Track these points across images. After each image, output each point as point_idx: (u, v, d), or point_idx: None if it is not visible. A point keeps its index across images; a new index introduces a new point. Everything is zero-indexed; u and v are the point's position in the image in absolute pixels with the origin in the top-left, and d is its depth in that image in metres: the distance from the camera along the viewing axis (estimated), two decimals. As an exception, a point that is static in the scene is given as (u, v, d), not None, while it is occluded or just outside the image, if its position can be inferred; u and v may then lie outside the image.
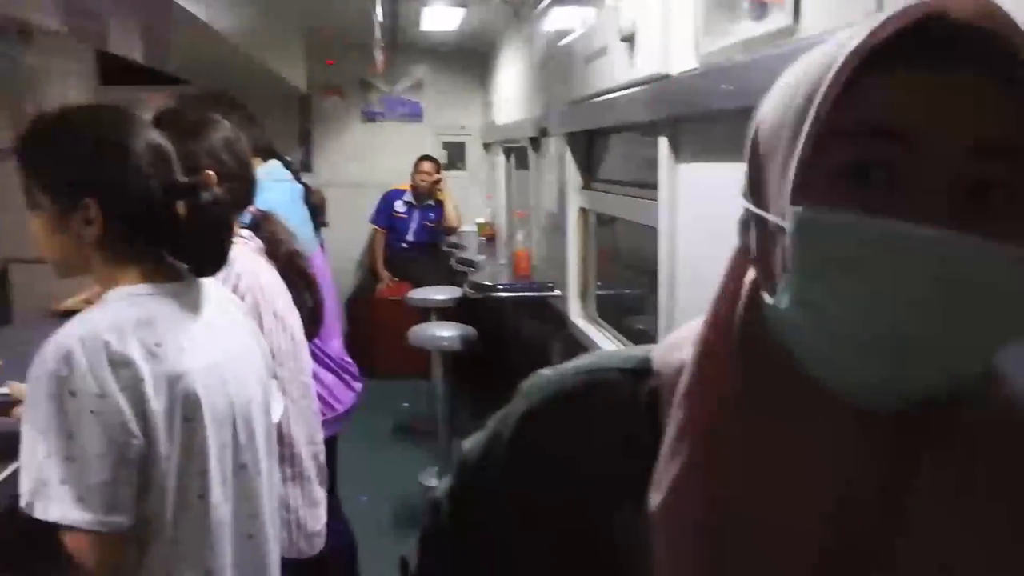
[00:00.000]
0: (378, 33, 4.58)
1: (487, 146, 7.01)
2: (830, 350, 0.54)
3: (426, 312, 5.24)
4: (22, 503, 1.16)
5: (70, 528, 1.16)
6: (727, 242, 0.67)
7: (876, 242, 0.50)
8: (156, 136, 1.33)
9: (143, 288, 1.28)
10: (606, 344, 3.29)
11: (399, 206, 6.55)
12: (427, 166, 6.49)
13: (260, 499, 1.42)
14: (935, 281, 0.49)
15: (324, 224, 2.91)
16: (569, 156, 3.70)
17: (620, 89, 2.67)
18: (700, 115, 2.08)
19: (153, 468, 1.22)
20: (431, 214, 6.55)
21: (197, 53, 4.11)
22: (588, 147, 3.66)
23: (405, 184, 6.56)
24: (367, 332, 6.00)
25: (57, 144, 1.31)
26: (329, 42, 6.43)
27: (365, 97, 6.99)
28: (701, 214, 2.20)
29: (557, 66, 3.94)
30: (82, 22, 3.46)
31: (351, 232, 6.65)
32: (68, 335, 1.18)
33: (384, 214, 6.56)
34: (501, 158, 6.17)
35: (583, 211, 3.70)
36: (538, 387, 0.71)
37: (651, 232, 2.86)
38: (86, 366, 1.15)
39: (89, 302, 2.65)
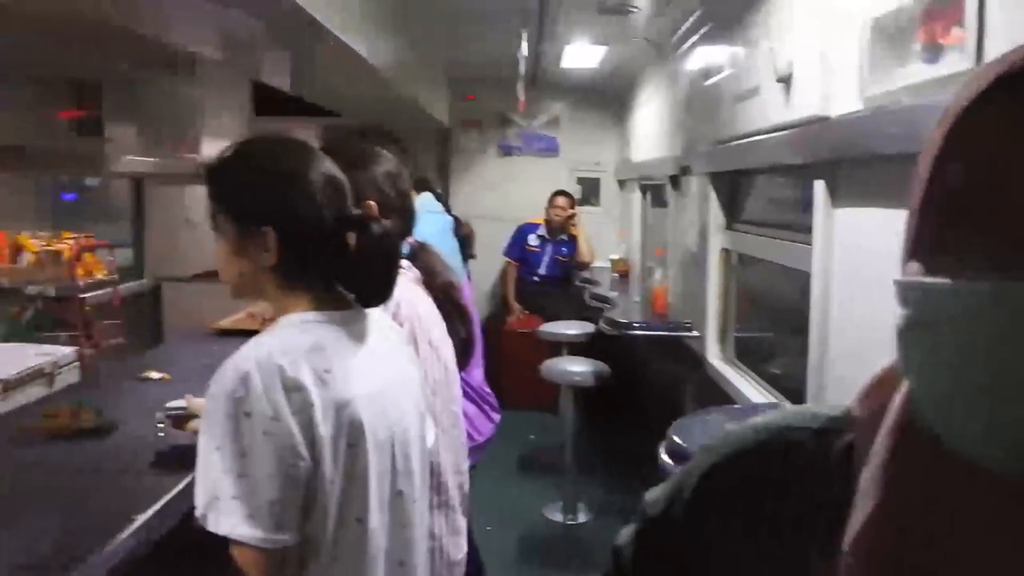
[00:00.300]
0: (522, 69, 4.66)
1: (622, 183, 7.01)
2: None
3: (557, 346, 5.25)
4: (197, 515, 1.21)
5: (239, 542, 1.20)
6: (886, 289, 0.63)
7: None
8: (332, 168, 1.38)
9: (313, 315, 1.33)
10: (744, 387, 3.21)
11: (532, 240, 6.61)
12: (562, 201, 6.53)
13: (413, 527, 1.44)
14: None
15: (472, 256, 2.96)
16: (712, 195, 3.66)
17: (773, 130, 2.63)
18: (862, 158, 2.02)
19: (317, 490, 1.25)
20: (564, 248, 6.58)
21: (351, 86, 4.27)
22: (732, 187, 3.61)
23: (539, 218, 6.62)
24: (496, 363, 6.02)
25: (241, 174, 1.39)
26: (470, 77, 6.59)
27: (502, 131, 7.13)
28: (858, 260, 2.13)
29: (701, 105, 3.90)
30: (240, 54, 3.65)
31: (484, 264, 6.73)
32: (245, 358, 1.23)
33: (517, 247, 6.64)
34: (637, 195, 6.15)
35: (725, 251, 3.64)
36: (724, 443, 0.70)
37: (790, 274, 2.79)
38: (261, 389, 1.19)
39: (254, 322, 2.78)
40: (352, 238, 1.35)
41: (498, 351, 6.28)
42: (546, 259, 6.59)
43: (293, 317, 1.33)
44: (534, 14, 4.29)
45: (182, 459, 1.70)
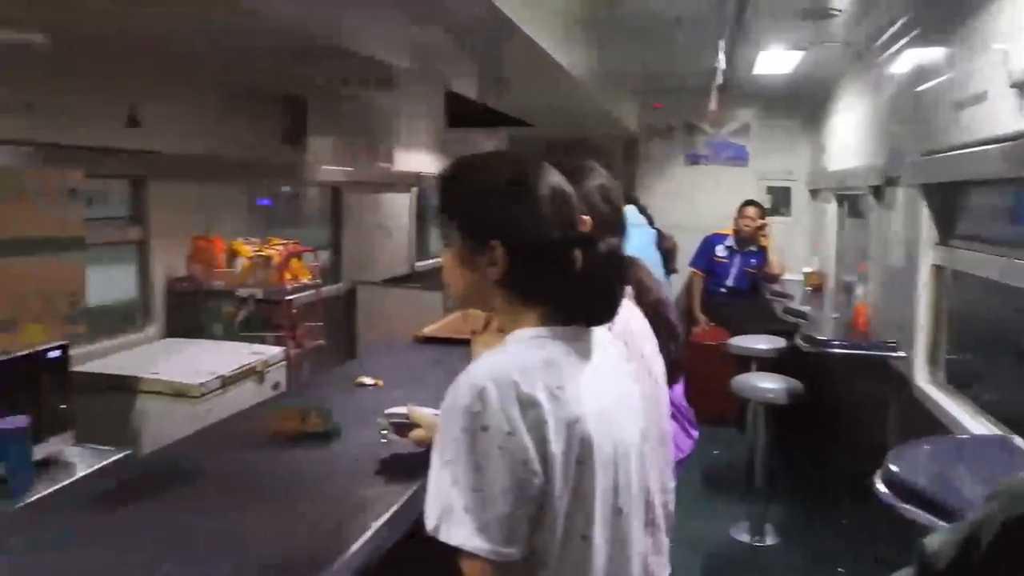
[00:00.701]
0: (720, 78, 4.56)
1: (815, 192, 6.74)
2: None
3: (744, 360, 5.10)
4: (429, 525, 1.24)
5: (469, 554, 1.22)
6: None
7: None
8: (561, 181, 1.38)
9: (543, 331, 1.33)
10: (959, 414, 2.99)
11: (720, 250, 6.47)
12: (751, 211, 6.36)
13: (631, 545, 1.42)
14: None
15: (674, 270, 2.92)
16: (924, 208, 3.44)
17: (1006, 140, 2.44)
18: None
19: (546, 506, 1.25)
20: (752, 260, 6.39)
21: (546, 95, 4.32)
22: (947, 199, 3.38)
23: (727, 228, 6.47)
24: (680, 376, 5.94)
25: (471, 186, 1.41)
26: (658, 86, 6.53)
27: (690, 140, 7.02)
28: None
29: (910, 112, 3.69)
30: (440, 63, 3.77)
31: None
32: (481, 373, 1.25)
33: (704, 257, 6.51)
34: (832, 205, 5.89)
35: (937, 268, 3.41)
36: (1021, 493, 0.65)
37: (1013, 292, 2.59)
38: (498, 404, 1.21)
39: (456, 330, 2.85)
40: (577, 255, 1.35)
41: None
42: (734, 270, 6.43)
43: (524, 332, 1.34)
44: (730, 20, 4.19)
45: (406, 468, 1.76)
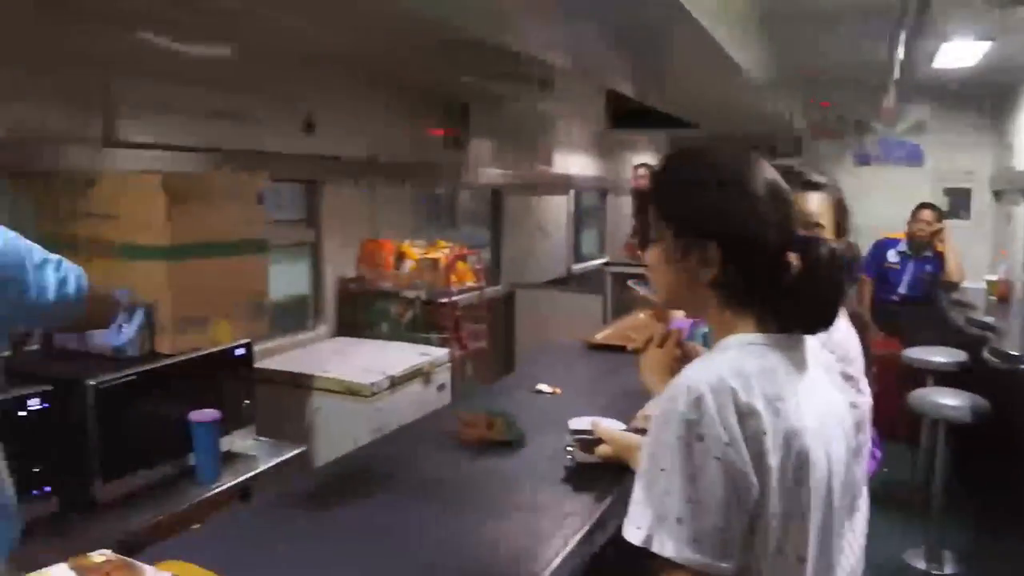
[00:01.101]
0: (897, 73, 4.31)
1: (998, 194, 6.29)
2: None
3: (919, 373, 4.80)
4: (635, 537, 1.19)
5: (680, 567, 1.17)
6: None
7: None
8: (777, 177, 1.31)
9: (759, 338, 1.27)
10: None
11: (892, 256, 6.12)
12: (927, 214, 5.98)
13: (835, 567, 1.34)
14: None
15: (855, 280, 2.76)
16: None
17: None
18: None
19: (760, 522, 1.19)
20: (927, 266, 6.02)
21: (716, 92, 4.20)
22: None
23: (899, 232, 6.11)
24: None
25: (684, 181, 1.35)
26: (824, 81, 6.26)
27: (859, 139, 6.70)
28: None
29: None
30: (609, 62, 3.71)
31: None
32: (697, 379, 1.19)
33: (874, 263, 6.18)
34: (1022, 208, 5.47)
35: None
36: None
37: None
38: (715, 412, 1.15)
39: (626, 338, 2.79)
40: (795, 257, 1.27)
41: (849, 373, 5.90)
42: (907, 277, 6.07)
43: (738, 338, 1.27)
44: (912, 10, 3.95)
45: (593, 478, 1.73)
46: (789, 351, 1.28)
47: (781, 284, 1.28)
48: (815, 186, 1.79)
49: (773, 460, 1.17)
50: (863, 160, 6.73)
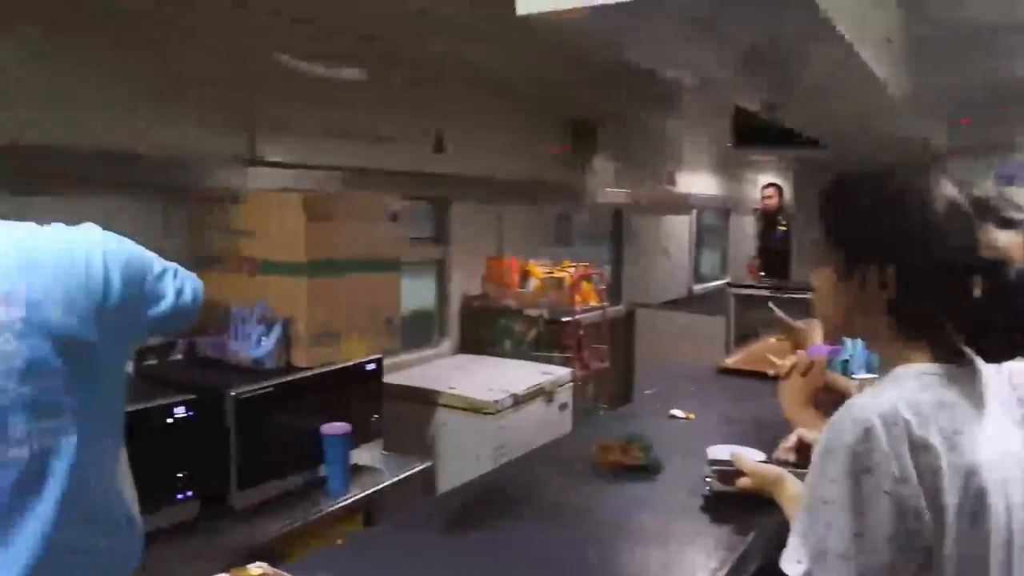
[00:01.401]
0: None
1: None
2: None
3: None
4: (794, 571, 1.14)
5: None
6: None
7: None
8: (957, 195, 1.23)
9: (935, 367, 1.19)
10: None
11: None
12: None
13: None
14: None
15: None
16: None
17: None
18: None
19: (932, 564, 1.11)
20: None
21: (855, 114, 4.05)
22: None
23: (1048, 257, 5.75)
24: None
25: (857, 201, 1.28)
26: (967, 99, 5.96)
27: (1003, 157, 6.36)
28: None
29: None
30: (744, 78, 3.60)
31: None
32: (866, 409, 1.13)
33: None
34: None
35: None
36: None
37: None
38: (886, 445, 1.09)
39: (759, 363, 2.71)
40: (978, 281, 1.19)
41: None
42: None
43: (912, 369, 1.20)
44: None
45: (732, 511, 1.68)
46: (966, 384, 1.20)
47: (963, 310, 1.20)
48: (1012, 224, 1.62)
49: (950, 498, 1.10)
50: (1007, 180, 6.37)
